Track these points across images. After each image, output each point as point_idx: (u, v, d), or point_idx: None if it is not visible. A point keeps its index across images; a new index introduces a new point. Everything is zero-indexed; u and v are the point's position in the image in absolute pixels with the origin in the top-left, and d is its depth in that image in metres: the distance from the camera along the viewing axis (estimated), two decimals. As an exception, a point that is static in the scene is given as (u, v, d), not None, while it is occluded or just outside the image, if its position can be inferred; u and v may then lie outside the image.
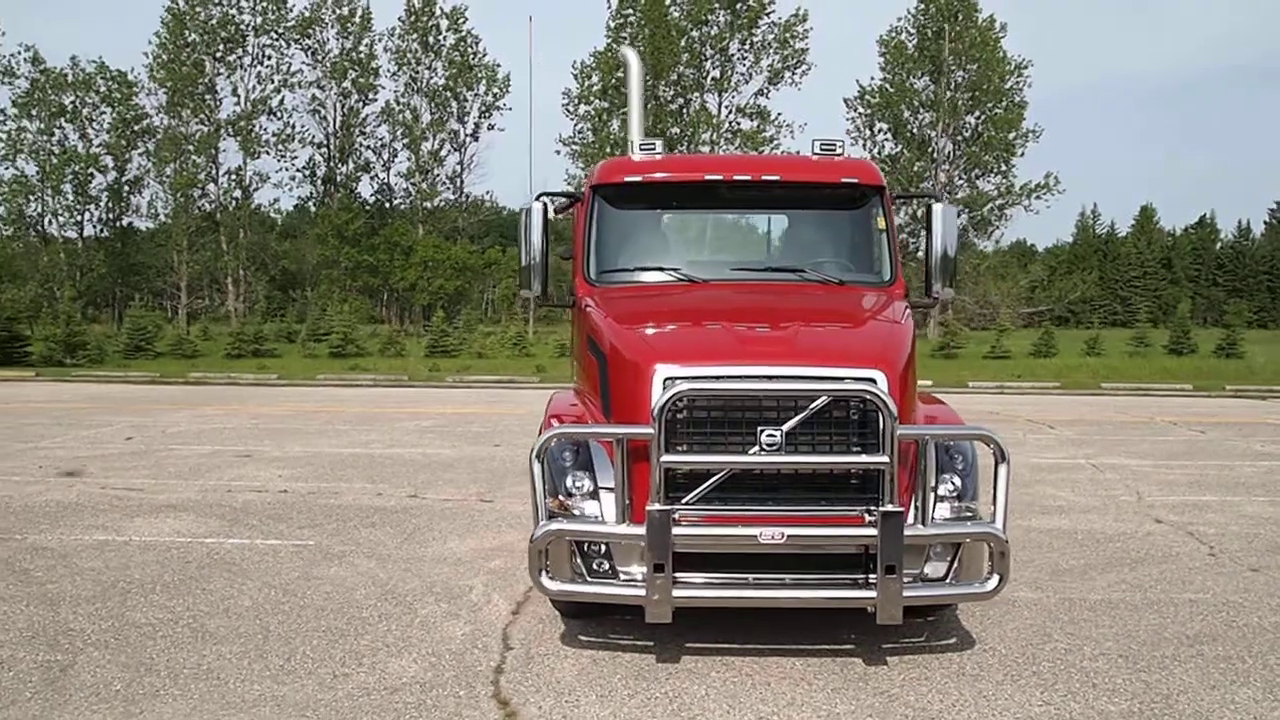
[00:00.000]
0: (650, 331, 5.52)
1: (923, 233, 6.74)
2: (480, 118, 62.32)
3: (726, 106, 55.18)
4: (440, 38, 60.51)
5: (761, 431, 4.87)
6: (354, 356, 34.41)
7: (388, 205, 62.59)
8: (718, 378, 4.93)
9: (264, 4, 56.26)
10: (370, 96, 60.82)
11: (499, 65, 62.62)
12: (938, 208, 6.65)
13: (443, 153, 61.78)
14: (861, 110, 55.79)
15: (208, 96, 56.05)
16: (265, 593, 6.47)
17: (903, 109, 54.87)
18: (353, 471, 11.35)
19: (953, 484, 5.11)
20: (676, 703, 4.73)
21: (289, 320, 53.57)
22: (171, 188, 55.56)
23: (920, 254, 6.70)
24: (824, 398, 4.84)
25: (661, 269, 6.39)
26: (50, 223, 58.29)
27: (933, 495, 5.00)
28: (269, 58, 57.28)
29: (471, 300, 61.00)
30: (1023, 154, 54.34)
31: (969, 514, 5.09)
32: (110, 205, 59.82)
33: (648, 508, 4.74)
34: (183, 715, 4.57)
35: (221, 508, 9.18)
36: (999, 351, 35.90)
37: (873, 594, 4.77)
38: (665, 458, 4.76)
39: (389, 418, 17.34)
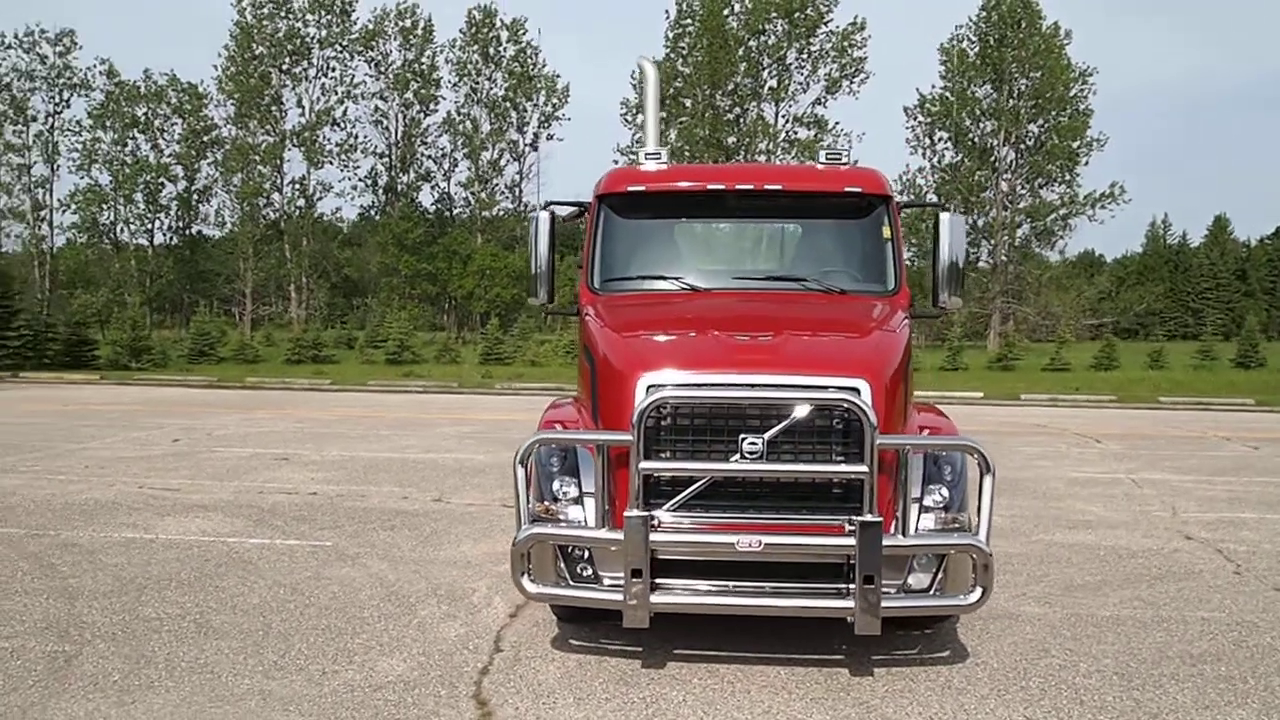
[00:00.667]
0: (639, 340, 5.55)
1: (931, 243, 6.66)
2: (539, 127, 63.18)
3: (784, 115, 55.06)
4: (500, 49, 61.41)
5: (743, 440, 4.87)
6: (409, 364, 34.95)
7: (447, 214, 63.54)
8: (697, 385, 4.95)
9: (329, 17, 57.60)
10: (431, 107, 61.88)
11: (558, 76, 63.43)
12: (945, 217, 6.60)
13: (502, 162, 62.58)
14: (921, 119, 55.30)
15: (273, 108, 57.45)
16: (274, 591, 6.63)
17: (964, 117, 54.23)
18: (384, 475, 11.55)
19: (940, 495, 5.05)
20: (653, 708, 4.75)
21: (350, 327, 54.67)
22: (238, 197, 57.08)
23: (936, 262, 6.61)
24: (805, 406, 4.83)
25: (664, 278, 6.42)
26: (122, 230, 60.27)
27: (916, 506, 4.96)
28: (333, 70, 58.67)
29: (528, 309, 61.53)
30: (1087, 163, 53.40)
31: (956, 525, 5.03)
32: (180, 214, 61.69)
33: (626, 514, 4.77)
34: (172, 707, 4.71)
35: (250, 508, 9.42)
36: (1058, 364, 35.26)
37: (853, 604, 4.74)
38: (644, 464, 4.80)
39: (431, 423, 17.60)
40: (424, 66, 61.07)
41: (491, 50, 61.40)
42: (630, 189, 6.60)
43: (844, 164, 6.66)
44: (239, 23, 56.25)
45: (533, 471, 5.17)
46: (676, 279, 6.40)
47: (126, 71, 64.90)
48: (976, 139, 54.73)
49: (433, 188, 63.46)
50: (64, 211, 57.87)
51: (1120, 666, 5.38)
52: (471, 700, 4.83)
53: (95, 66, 57.10)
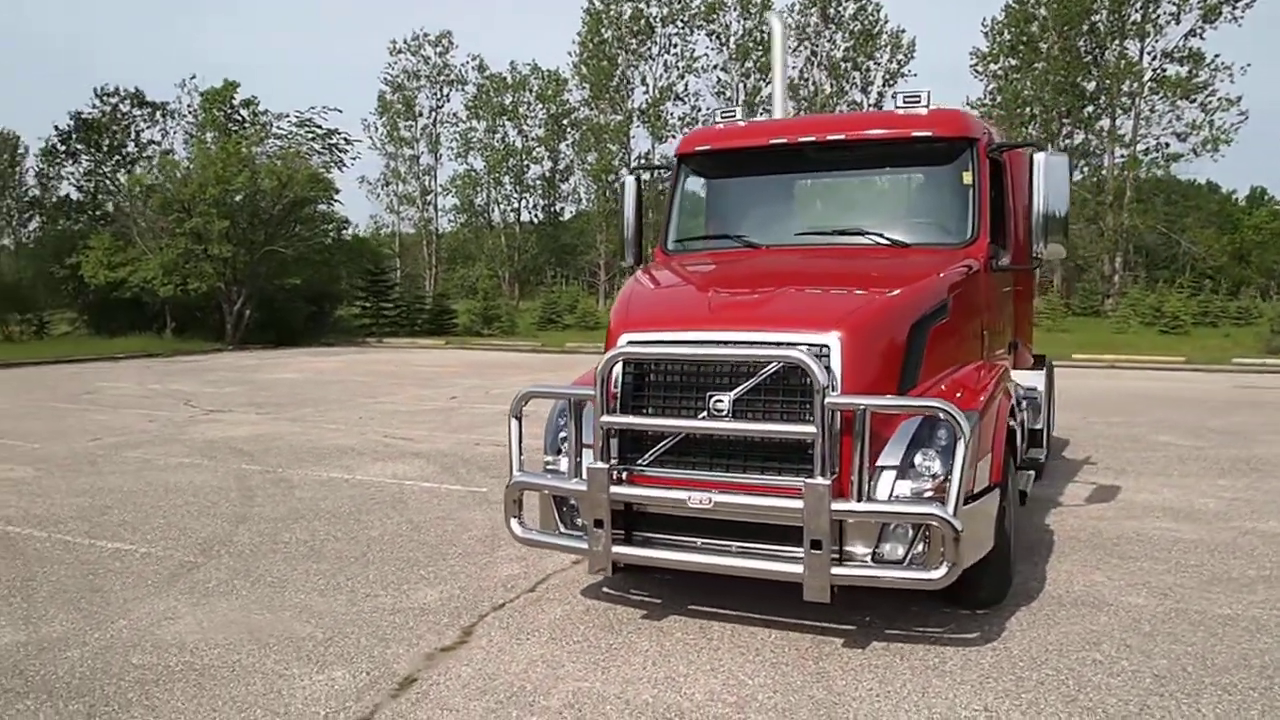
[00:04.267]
0: (632, 299, 5.63)
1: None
2: (884, 86, 61.41)
3: (1149, 52, 49.09)
4: (840, 7, 60.30)
5: (710, 397, 4.84)
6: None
7: (790, 179, 63.74)
8: (655, 342, 4.97)
9: (670, -5, 59.69)
10: (772, 74, 62.18)
11: (903, 31, 61.18)
12: (1039, 157, 5.95)
13: (844, 125, 61.50)
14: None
15: (621, 88, 60.70)
16: (398, 527, 7.45)
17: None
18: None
19: (930, 461, 4.69)
20: (609, 655, 4.89)
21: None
22: (591, 174, 61.10)
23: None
24: (772, 364, 4.69)
25: (726, 236, 6.39)
26: (493, 210, 66.68)
27: (894, 472, 4.66)
28: (675, 46, 60.74)
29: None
30: None
31: (943, 496, 4.64)
32: (544, 193, 67.19)
33: (588, 465, 4.94)
34: (229, 610, 5.58)
35: (451, 458, 10.46)
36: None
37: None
38: (604, 418, 4.92)
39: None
40: (764, 34, 61.45)
41: (831, 10, 60.46)
42: (698, 149, 6.63)
43: (922, 108, 6.18)
44: (589, 9, 59.88)
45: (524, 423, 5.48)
46: (739, 238, 6.34)
47: (494, 64, 71.92)
48: None
49: (776, 153, 63.85)
50: (445, 195, 65.29)
51: (1169, 670, 4.67)
52: (459, 630, 5.25)
53: (469, 63, 63.58)
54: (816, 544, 4.50)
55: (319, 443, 11.47)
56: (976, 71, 54.11)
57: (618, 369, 5.08)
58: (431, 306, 39.57)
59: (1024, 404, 7.56)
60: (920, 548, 4.63)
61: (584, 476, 5.08)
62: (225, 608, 5.64)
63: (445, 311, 39.31)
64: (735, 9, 61.39)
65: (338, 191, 34.25)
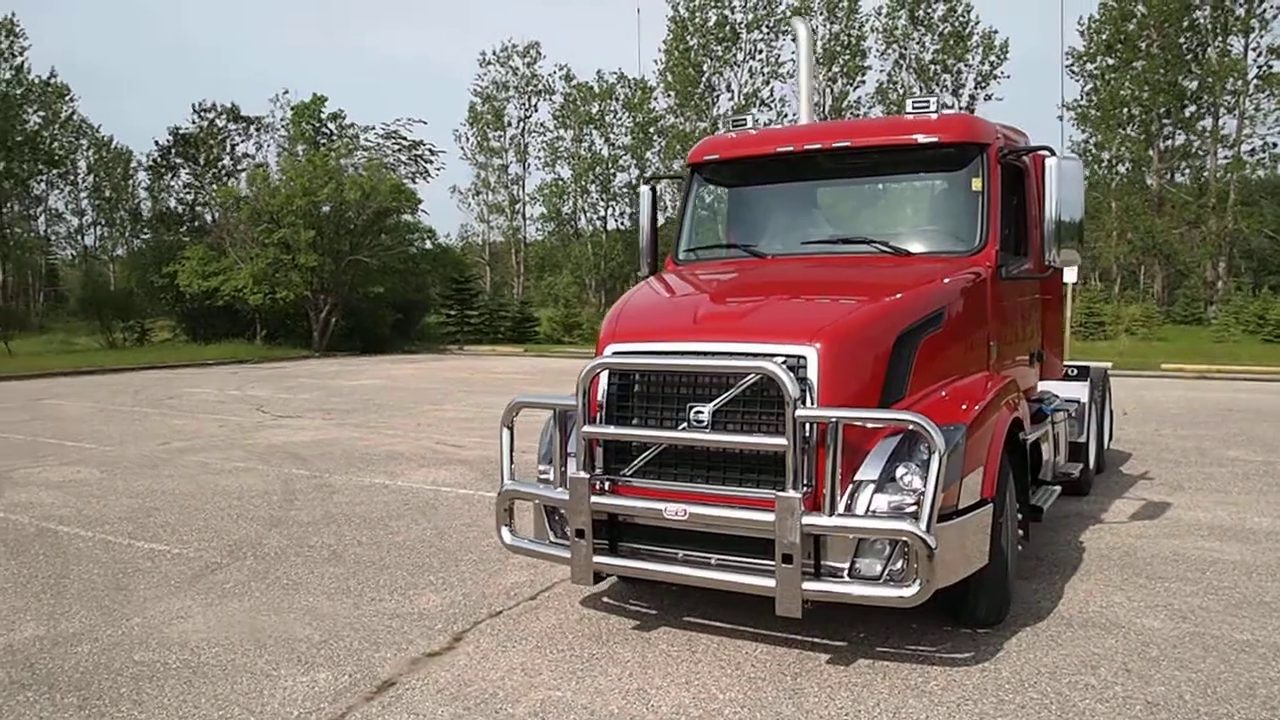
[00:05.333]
0: (629, 310, 5.63)
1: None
2: (976, 88, 60.14)
3: (1254, 48, 46.88)
4: (929, 9, 59.24)
5: (691, 408, 4.82)
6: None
7: (878, 184, 62.84)
8: (634, 353, 4.98)
9: (755, 1, 59.45)
10: (860, 79, 61.47)
11: (995, 31, 59.78)
12: (1051, 162, 5.78)
13: (932, 128, 60.34)
14: None
15: (706, 95, 60.68)
16: (423, 532, 7.60)
17: None
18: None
19: (911, 476, 4.58)
20: (590, 664, 4.91)
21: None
22: (677, 182, 61.26)
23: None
24: (748, 375, 4.66)
25: (732, 246, 6.37)
26: (580, 219, 67.29)
27: (871, 486, 4.57)
28: (760, 51, 60.49)
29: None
30: None
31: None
32: (631, 200, 67.52)
33: (570, 475, 4.97)
34: (239, 610, 5.78)
35: (496, 465, 10.54)
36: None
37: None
38: (585, 429, 4.95)
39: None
40: (850, 38, 60.80)
41: (920, 12, 59.46)
42: (708, 158, 6.62)
43: (931, 113, 6.06)
44: (674, 18, 60.07)
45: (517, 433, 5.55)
46: (745, 247, 6.31)
47: (581, 74, 72.55)
48: None
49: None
50: (533, 204, 66.18)
51: (1168, 698, 4.47)
52: (450, 636, 5.34)
53: (556, 73, 64.35)
54: (788, 558, 4.45)
55: (373, 449, 11.76)
56: (1072, 72, 52.54)
57: (603, 379, 5.10)
58: (514, 314, 40.19)
59: (1057, 416, 7.34)
60: (899, 564, 4.52)
61: (562, 486, 5.12)
62: (236, 608, 5.84)
63: (528, 319, 39.88)
64: (821, 13, 60.84)
65: (420, 202, 35.13)
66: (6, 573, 6.60)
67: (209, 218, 39.87)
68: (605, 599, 5.95)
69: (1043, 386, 7.94)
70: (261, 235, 30.88)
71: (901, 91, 59.88)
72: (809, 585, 4.49)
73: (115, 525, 7.89)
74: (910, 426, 4.44)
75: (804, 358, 4.66)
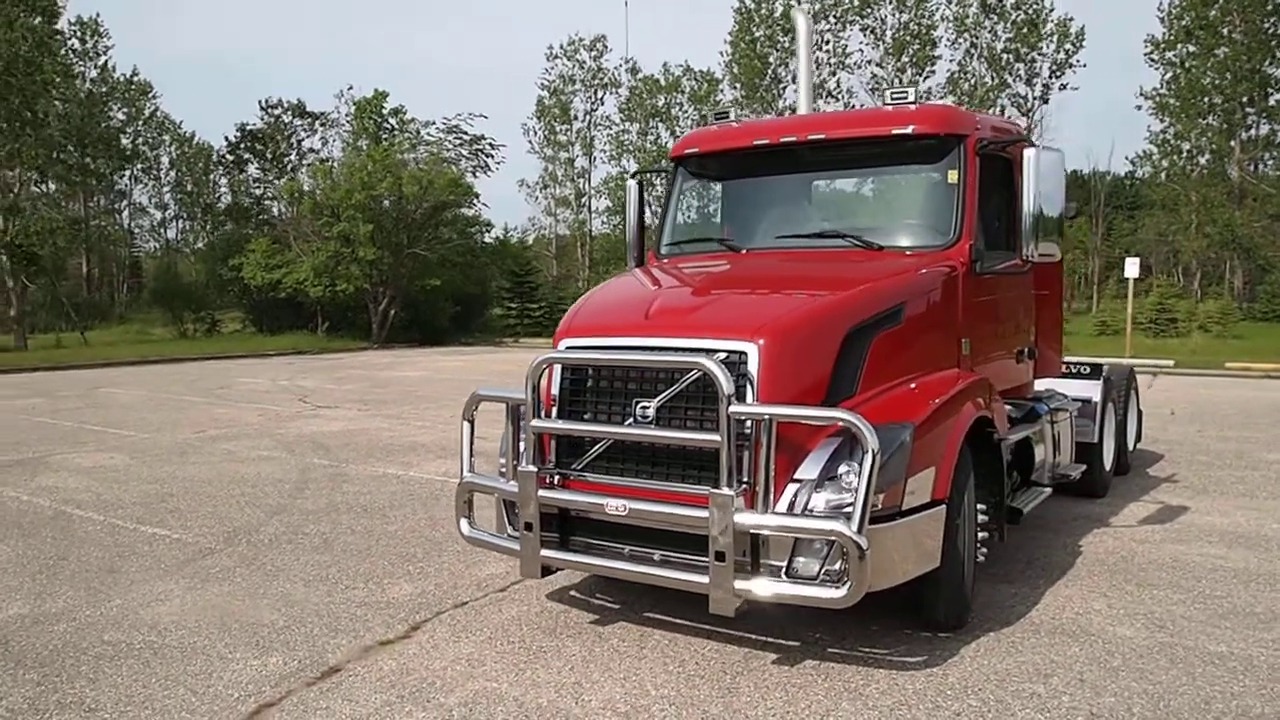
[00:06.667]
0: (589, 304, 5.63)
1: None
2: (1050, 78, 58.63)
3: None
4: (1001, -4, 57.84)
5: (638, 404, 4.81)
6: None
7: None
8: (589, 348, 4.98)
9: (823, -10, 58.76)
10: (930, 69, 60.38)
11: (1071, 19, 58.13)
12: (1029, 154, 5.64)
13: (1005, 118, 59.03)
14: None
15: (772, 87, 60.20)
16: (416, 523, 7.71)
17: None
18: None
19: (852, 475, 4.50)
20: (536, 657, 4.95)
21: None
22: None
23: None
24: (687, 370, 4.63)
25: (709, 240, 6.34)
26: (646, 212, 67.32)
27: (809, 485, 4.51)
28: (827, 42, 59.71)
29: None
30: None
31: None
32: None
33: (519, 469, 5.01)
34: (215, 595, 5.94)
35: (511, 455, 10.68)
36: None
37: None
38: (534, 423, 4.98)
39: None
40: (920, 27, 59.72)
41: (991, 0, 58.10)
42: (688, 151, 6.59)
43: (910, 104, 5.94)
44: (739, 8, 59.73)
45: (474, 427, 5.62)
46: (722, 241, 6.27)
47: (647, 67, 72.48)
48: None
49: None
50: (599, 197, 66.42)
51: (1115, 710, 4.32)
52: (408, 625, 5.41)
53: (621, 66, 64.43)
54: (720, 555, 4.41)
55: (397, 440, 11.96)
56: (1151, 60, 50.95)
57: (556, 373, 5.12)
58: (572, 307, 40.40)
59: (1057, 416, 7.14)
60: (837, 564, 4.45)
61: (512, 479, 5.16)
62: (214, 593, 6.00)
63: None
64: (890, 2, 59.89)
65: (477, 196, 35.50)
66: (13, 553, 6.88)
67: (276, 211, 40.89)
68: (573, 593, 5.97)
69: (1049, 385, 7.73)
70: (322, 229, 31.55)
71: (973, 81, 58.72)
72: (741, 583, 4.44)
73: (127, 510, 8.16)
74: (842, 424, 4.36)
75: (745, 353, 4.62)
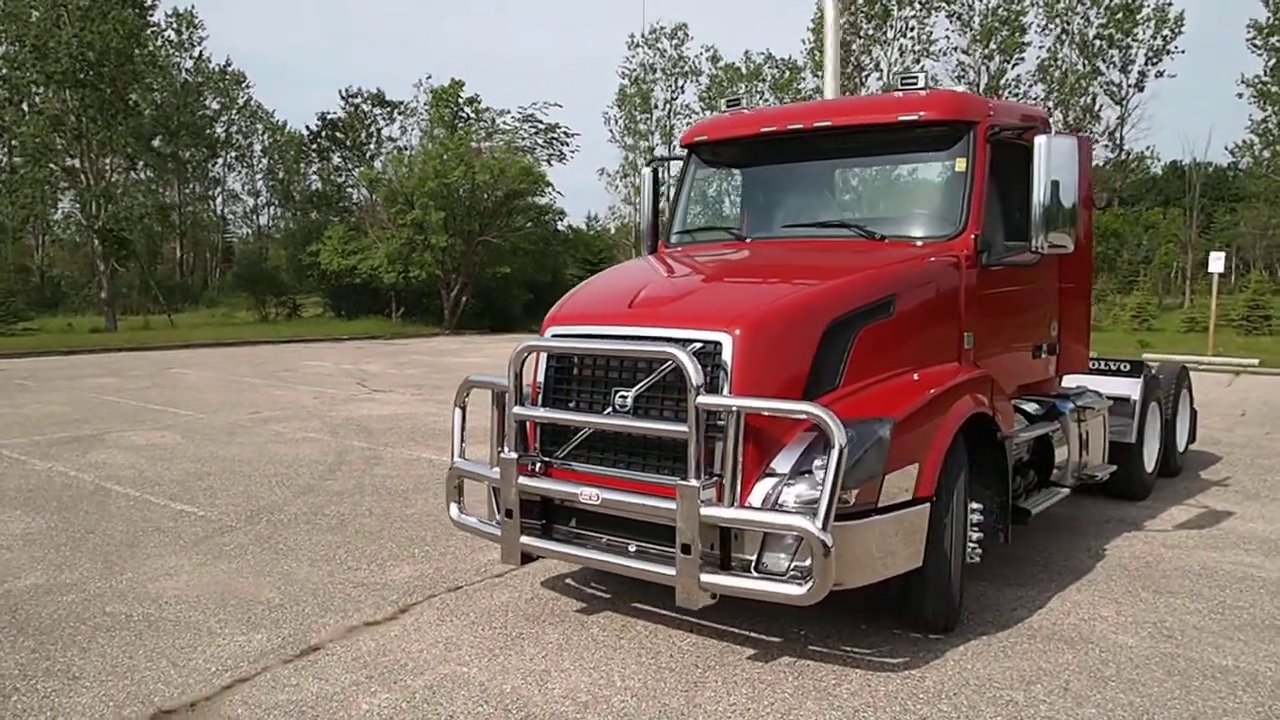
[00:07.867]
0: (580, 293, 5.59)
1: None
2: (1146, 65, 56.50)
3: None
4: (1097, -19, 55.88)
5: (617, 393, 4.78)
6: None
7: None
8: (571, 336, 4.97)
9: (908, -22, 57.56)
10: (1019, 55, 58.70)
11: (1169, 4, 55.85)
12: (1040, 141, 5.43)
13: (1097, 107, 57.18)
14: None
15: (855, 74, 59.20)
16: (432, 507, 7.79)
17: None
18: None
19: (822, 471, 4.39)
20: (513, 642, 4.97)
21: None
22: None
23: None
24: (661, 360, 4.59)
25: (714, 229, 6.26)
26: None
27: (780, 479, 4.42)
28: (912, 29, 58.53)
29: (1118, 268, 55.69)
30: None
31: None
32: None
33: (500, 455, 5.02)
34: (224, 572, 6.10)
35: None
36: None
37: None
38: (515, 410, 4.98)
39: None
40: (1010, 13, 58.07)
41: (1086, -16, 56.17)
42: (698, 139, 6.51)
43: (919, 89, 5.76)
44: (822, -4, 58.90)
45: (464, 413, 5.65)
46: (728, 230, 6.19)
47: (728, 55, 71.64)
48: None
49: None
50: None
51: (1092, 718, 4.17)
52: (397, 607, 5.48)
53: (702, 54, 64.11)
54: (686, 547, 4.36)
55: (439, 424, 12.10)
56: (1254, 46, 48.78)
57: (542, 361, 5.12)
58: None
59: (1086, 414, 6.88)
60: (807, 560, 4.35)
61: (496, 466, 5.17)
62: (222, 569, 6.16)
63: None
64: (981, -13, 58.31)
65: (550, 184, 35.73)
66: (47, 525, 7.16)
67: (355, 198, 41.80)
68: (568, 580, 5.98)
69: (1082, 382, 7.45)
70: (396, 216, 32.14)
71: (1064, 69, 56.91)
72: (707, 577, 4.38)
73: (164, 487, 8.43)
74: (807, 418, 4.26)
75: (720, 344, 4.54)
